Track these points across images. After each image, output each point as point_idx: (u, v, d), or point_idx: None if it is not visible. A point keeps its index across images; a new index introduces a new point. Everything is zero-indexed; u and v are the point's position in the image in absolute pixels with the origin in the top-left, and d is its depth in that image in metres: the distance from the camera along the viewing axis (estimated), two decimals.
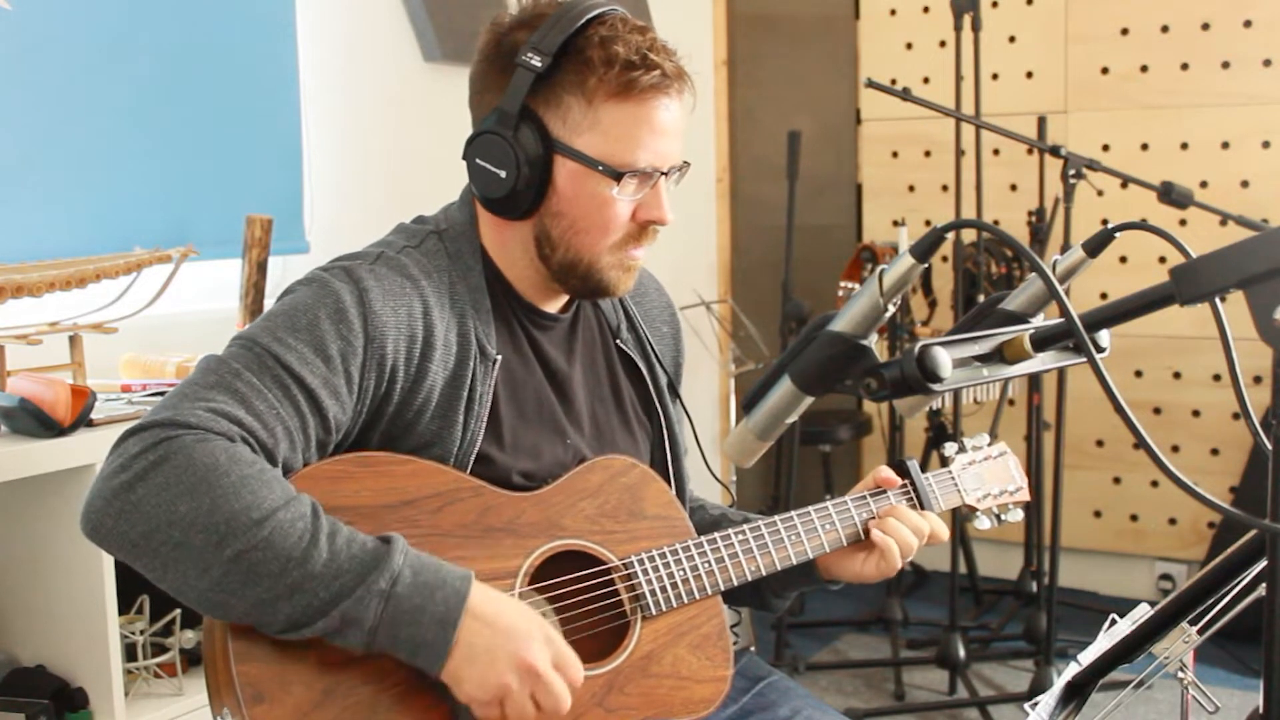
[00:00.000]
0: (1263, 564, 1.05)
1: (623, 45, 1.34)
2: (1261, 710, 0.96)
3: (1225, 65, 3.78)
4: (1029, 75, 4.05)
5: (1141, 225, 1.16)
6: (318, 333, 1.28)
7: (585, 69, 1.35)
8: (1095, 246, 1.15)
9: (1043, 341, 1.07)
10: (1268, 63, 3.73)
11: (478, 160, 1.39)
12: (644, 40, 1.36)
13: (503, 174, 1.37)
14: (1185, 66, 3.83)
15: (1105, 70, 3.94)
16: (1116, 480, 4.04)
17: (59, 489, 1.83)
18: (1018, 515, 1.68)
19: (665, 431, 1.58)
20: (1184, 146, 3.85)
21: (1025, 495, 1.69)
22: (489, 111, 1.39)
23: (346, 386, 1.29)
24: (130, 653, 1.98)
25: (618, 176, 1.36)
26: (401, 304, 1.33)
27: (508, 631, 1.22)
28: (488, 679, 1.21)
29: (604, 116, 1.36)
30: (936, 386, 0.97)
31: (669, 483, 1.54)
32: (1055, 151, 2.95)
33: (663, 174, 1.39)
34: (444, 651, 1.19)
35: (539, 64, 1.34)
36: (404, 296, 1.34)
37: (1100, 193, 3.48)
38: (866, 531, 1.52)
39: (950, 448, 1.65)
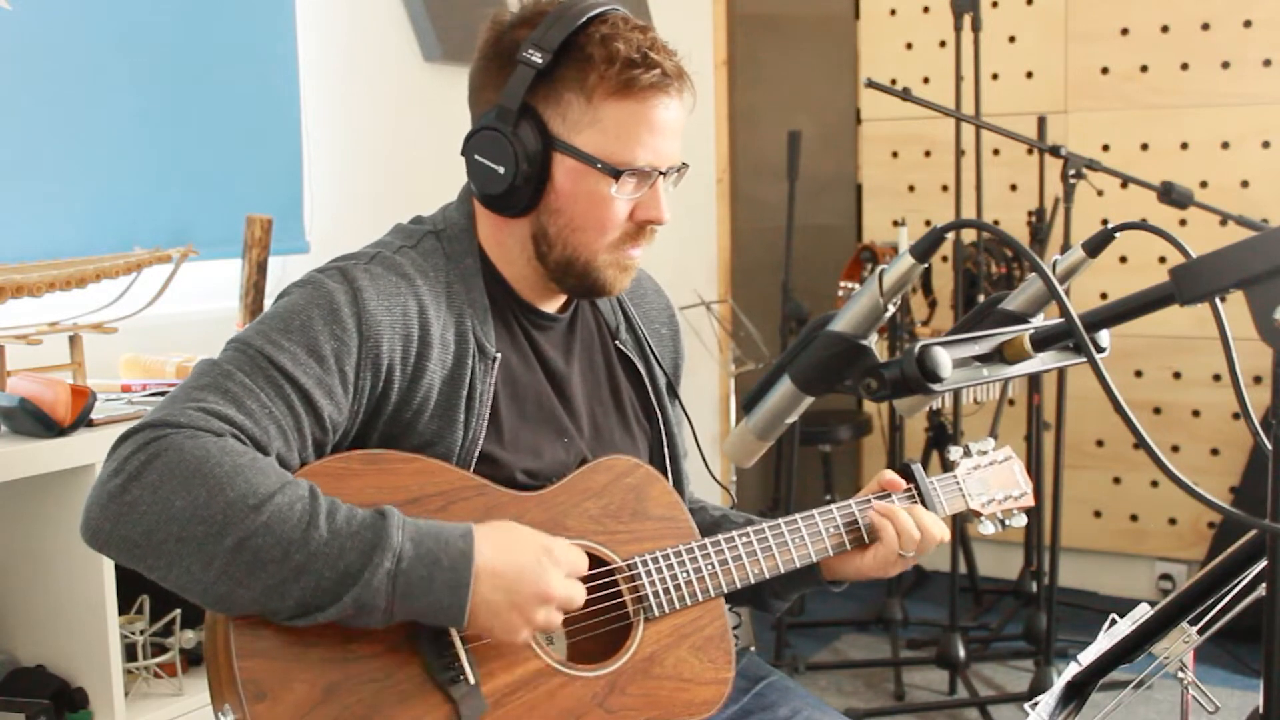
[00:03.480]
0: (1263, 564, 1.05)
1: (624, 43, 1.35)
2: (1261, 710, 0.96)
3: (1225, 65, 3.78)
4: (1029, 75, 4.05)
5: (1141, 225, 1.16)
6: (311, 333, 1.28)
7: (586, 66, 1.35)
8: (1095, 246, 1.15)
9: (1043, 341, 1.07)
10: (1268, 63, 3.73)
11: (476, 156, 1.39)
12: (645, 39, 1.36)
13: (501, 170, 1.37)
14: (1185, 66, 3.83)
15: (1105, 70, 3.94)
16: (1116, 480, 4.04)
17: (59, 489, 1.83)
18: (1021, 520, 1.68)
19: (664, 433, 1.58)
20: (1184, 146, 3.85)
21: (1029, 500, 1.68)
22: (488, 108, 1.39)
23: (341, 386, 1.29)
24: (130, 653, 1.98)
25: (616, 174, 1.36)
26: (396, 303, 1.33)
27: (520, 573, 1.24)
28: (517, 624, 1.25)
29: (604, 114, 1.36)
30: (936, 386, 0.97)
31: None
32: (1055, 151, 2.95)
33: (661, 174, 1.39)
34: (461, 613, 1.21)
35: (540, 61, 1.34)
36: (399, 295, 1.34)
37: (1100, 193, 3.48)
38: (869, 533, 1.52)
39: (955, 451, 1.64)
